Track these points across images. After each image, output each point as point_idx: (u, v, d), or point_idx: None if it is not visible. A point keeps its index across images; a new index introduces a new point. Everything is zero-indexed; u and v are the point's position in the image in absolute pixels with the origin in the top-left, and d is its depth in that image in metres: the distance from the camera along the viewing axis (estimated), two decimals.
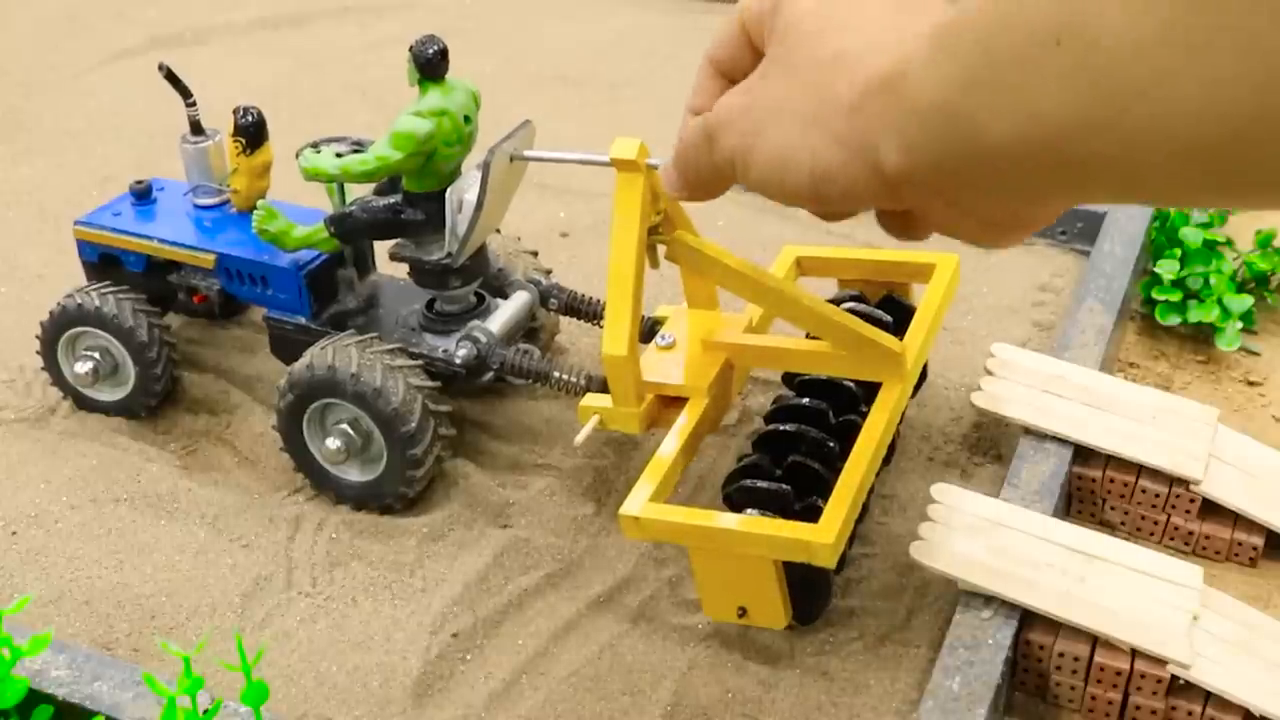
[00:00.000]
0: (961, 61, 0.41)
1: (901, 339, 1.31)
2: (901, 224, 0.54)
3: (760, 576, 1.17)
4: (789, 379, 1.43)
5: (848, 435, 1.26)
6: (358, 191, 1.48)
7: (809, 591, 1.23)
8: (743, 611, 1.21)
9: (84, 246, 1.62)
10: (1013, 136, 0.39)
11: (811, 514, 1.17)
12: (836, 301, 1.42)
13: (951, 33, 0.42)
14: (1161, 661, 1.16)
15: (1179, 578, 1.23)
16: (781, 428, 1.30)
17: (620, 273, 1.18)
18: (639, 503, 1.18)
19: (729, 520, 1.17)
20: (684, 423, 1.28)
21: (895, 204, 0.49)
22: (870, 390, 1.32)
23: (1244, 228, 1.94)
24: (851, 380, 1.35)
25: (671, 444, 1.25)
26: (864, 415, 1.29)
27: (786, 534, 1.13)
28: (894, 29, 0.45)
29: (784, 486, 1.22)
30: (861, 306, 1.42)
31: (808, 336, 1.41)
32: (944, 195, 0.46)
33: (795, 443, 1.28)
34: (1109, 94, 0.35)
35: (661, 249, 1.26)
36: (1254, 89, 0.32)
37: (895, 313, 1.43)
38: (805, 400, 1.34)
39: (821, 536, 1.11)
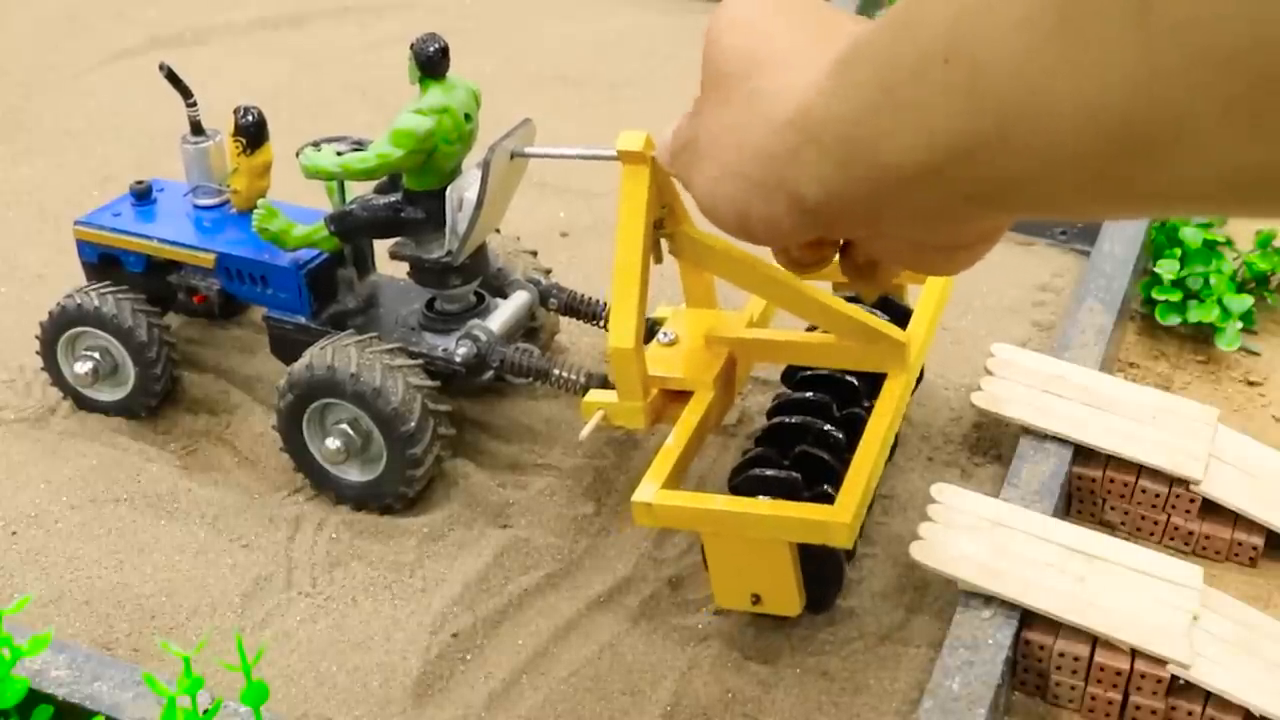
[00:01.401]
0: (858, 89, 0.41)
1: (902, 330, 1.31)
2: (855, 268, 0.56)
3: (775, 561, 1.17)
4: (789, 377, 1.43)
5: (852, 427, 1.26)
6: (358, 190, 1.48)
7: (821, 578, 1.23)
8: (756, 599, 1.21)
9: (84, 247, 1.62)
10: (912, 159, 0.40)
11: (822, 501, 1.18)
12: None
13: (848, 61, 0.43)
14: (1161, 661, 1.16)
15: (1179, 578, 1.23)
16: (787, 420, 1.30)
17: (626, 266, 1.18)
18: (651, 490, 1.18)
19: (744, 503, 1.17)
20: (689, 416, 1.28)
21: (828, 234, 0.51)
22: (871, 385, 1.32)
23: (1244, 228, 1.94)
24: (852, 375, 1.35)
25: (678, 436, 1.25)
26: (866, 409, 1.29)
27: (803, 515, 1.13)
28: (806, 64, 0.46)
29: (793, 474, 1.22)
30: (859, 306, 1.42)
31: (809, 329, 1.41)
32: (867, 224, 0.47)
33: (801, 435, 1.29)
34: (994, 111, 0.36)
35: (665, 243, 1.26)
36: (1119, 104, 0.33)
37: (891, 314, 1.43)
38: (809, 394, 1.34)
39: (838, 516, 1.11)
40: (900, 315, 1.42)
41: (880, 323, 1.28)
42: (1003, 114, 0.36)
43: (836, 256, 0.56)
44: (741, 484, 1.24)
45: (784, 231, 0.48)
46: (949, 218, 0.44)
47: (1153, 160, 0.34)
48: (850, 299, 1.47)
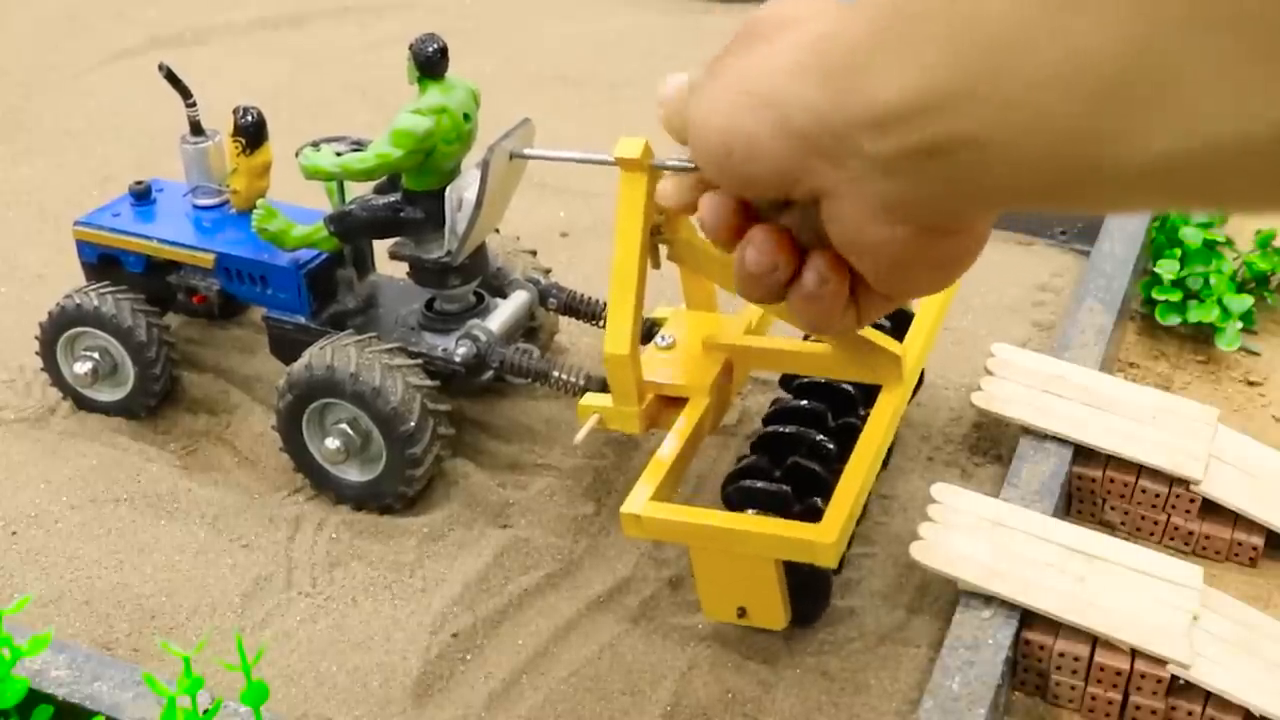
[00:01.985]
0: (872, 21, 0.42)
1: (898, 343, 1.31)
2: (807, 297, 0.52)
3: (761, 577, 1.17)
4: (787, 382, 1.43)
5: (846, 437, 1.26)
6: (357, 190, 1.48)
7: (808, 592, 1.23)
8: (742, 612, 1.21)
9: (84, 247, 1.62)
10: (897, 95, 0.40)
11: (811, 514, 1.17)
12: None
13: None
14: (1161, 661, 1.16)
15: (1179, 578, 1.22)
16: (781, 429, 1.29)
17: (623, 272, 1.18)
18: (640, 501, 1.18)
19: (731, 519, 1.17)
20: (684, 423, 1.28)
21: (796, 177, 0.47)
22: (868, 394, 1.32)
23: (1244, 228, 1.94)
24: (849, 383, 1.35)
25: (672, 444, 1.25)
26: (862, 418, 1.29)
27: (789, 533, 1.13)
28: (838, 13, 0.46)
29: (784, 487, 1.22)
30: None
31: (805, 338, 1.41)
32: (842, 165, 0.45)
33: (794, 444, 1.28)
34: (984, 57, 0.36)
35: (664, 249, 1.26)
36: (1110, 56, 0.33)
37: (892, 318, 1.43)
38: (804, 402, 1.34)
39: (824, 536, 1.11)
40: (901, 320, 1.42)
41: (876, 335, 1.27)
42: (987, 60, 0.36)
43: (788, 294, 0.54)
44: (733, 494, 1.24)
45: (760, 156, 0.47)
46: (920, 178, 0.43)
47: (1133, 120, 0.34)
48: None
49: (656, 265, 1.25)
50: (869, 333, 1.27)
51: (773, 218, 0.54)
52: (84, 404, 1.62)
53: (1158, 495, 1.39)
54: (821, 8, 0.47)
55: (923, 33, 0.38)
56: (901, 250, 0.47)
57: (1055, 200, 0.41)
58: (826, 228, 0.48)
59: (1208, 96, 0.32)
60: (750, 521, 1.17)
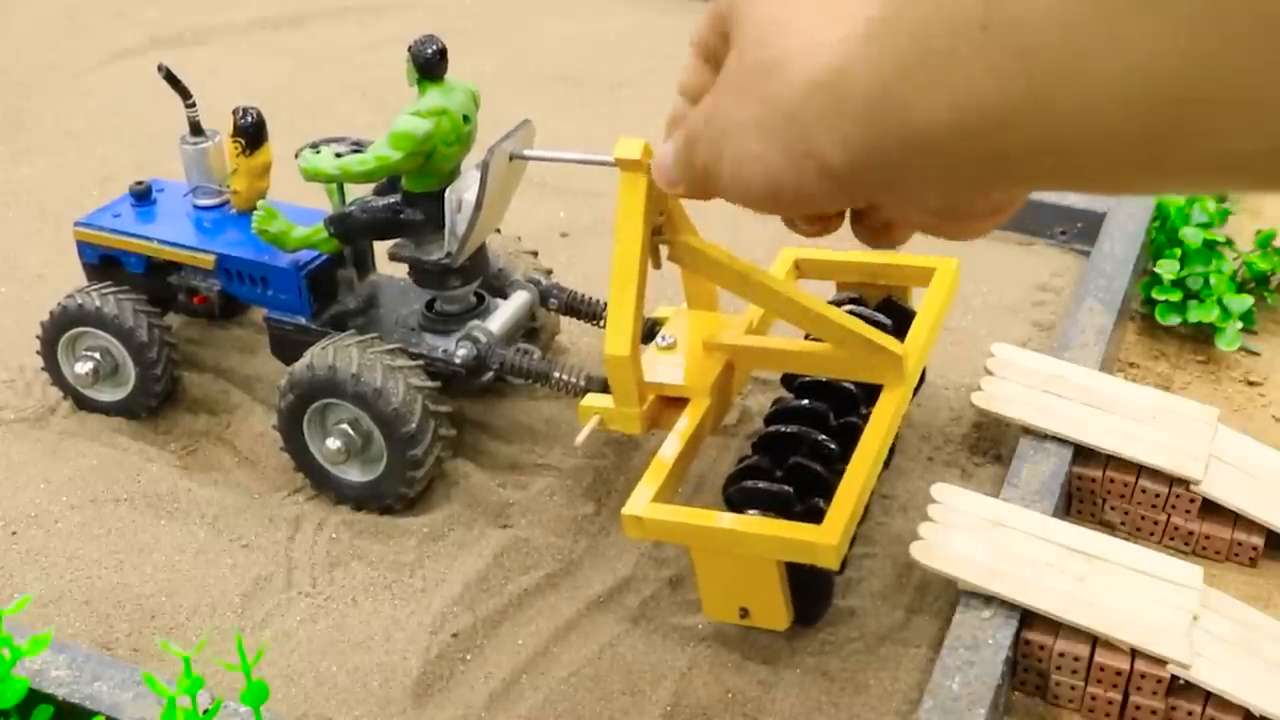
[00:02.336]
0: (893, 51, 0.41)
1: (901, 342, 1.31)
2: (870, 231, 0.55)
3: (763, 577, 1.17)
4: (788, 381, 1.43)
5: (848, 437, 1.26)
6: (357, 192, 1.48)
7: (810, 593, 1.23)
8: (744, 612, 1.21)
9: (84, 248, 1.62)
10: (944, 124, 0.39)
11: (813, 515, 1.17)
12: (835, 304, 1.42)
13: (883, 23, 0.42)
14: (1161, 661, 1.16)
15: (1179, 578, 1.23)
16: (782, 429, 1.29)
17: (623, 273, 1.18)
18: (642, 502, 1.18)
19: (732, 521, 1.17)
20: (685, 424, 1.28)
21: (850, 203, 0.51)
22: (869, 392, 1.32)
23: (1244, 228, 1.94)
24: (851, 382, 1.35)
25: (673, 445, 1.25)
26: (864, 417, 1.29)
27: (790, 535, 1.13)
28: (836, 26, 0.45)
29: (785, 487, 1.22)
30: (861, 309, 1.42)
31: (806, 338, 1.41)
32: (891, 190, 0.46)
33: (796, 444, 1.28)
34: (1034, 78, 0.36)
35: (664, 250, 1.26)
36: (1170, 74, 0.32)
37: (894, 316, 1.43)
38: (805, 402, 1.34)
39: (825, 537, 1.11)
40: (903, 318, 1.42)
41: (877, 334, 1.27)
42: (1042, 79, 0.35)
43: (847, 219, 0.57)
44: (734, 494, 1.24)
45: (810, 194, 0.47)
46: (972, 185, 0.44)
47: (1198, 132, 0.33)
48: (852, 301, 1.47)
49: (657, 265, 1.25)
50: (870, 332, 1.27)
51: None
52: (84, 404, 1.62)
53: (1158, 495, 1.39)
54: (809, 35, 0.46)
55: (963, 58, 0.38)
56: (953, 228, 0.52)
57: (1115, 189, 0.41)
58: (878, 214, 0.53)
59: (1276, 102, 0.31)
60: (752, 523, 1.17)
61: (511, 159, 1.36)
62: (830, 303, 1.40)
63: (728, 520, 1.17)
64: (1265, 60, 0.31)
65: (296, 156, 1.42)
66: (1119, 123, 0.34)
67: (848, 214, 0.57)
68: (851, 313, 1.36)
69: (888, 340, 1.28)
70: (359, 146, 1.42)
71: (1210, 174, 0.36)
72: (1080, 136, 0.36)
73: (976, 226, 0.51)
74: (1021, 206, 0.52)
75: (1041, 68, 0.35)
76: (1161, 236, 1.81)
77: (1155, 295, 1.74)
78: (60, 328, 1.57)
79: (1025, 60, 0.36)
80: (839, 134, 0.44)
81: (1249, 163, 0.34)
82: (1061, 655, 1.20)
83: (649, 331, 1.42)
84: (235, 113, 1.50)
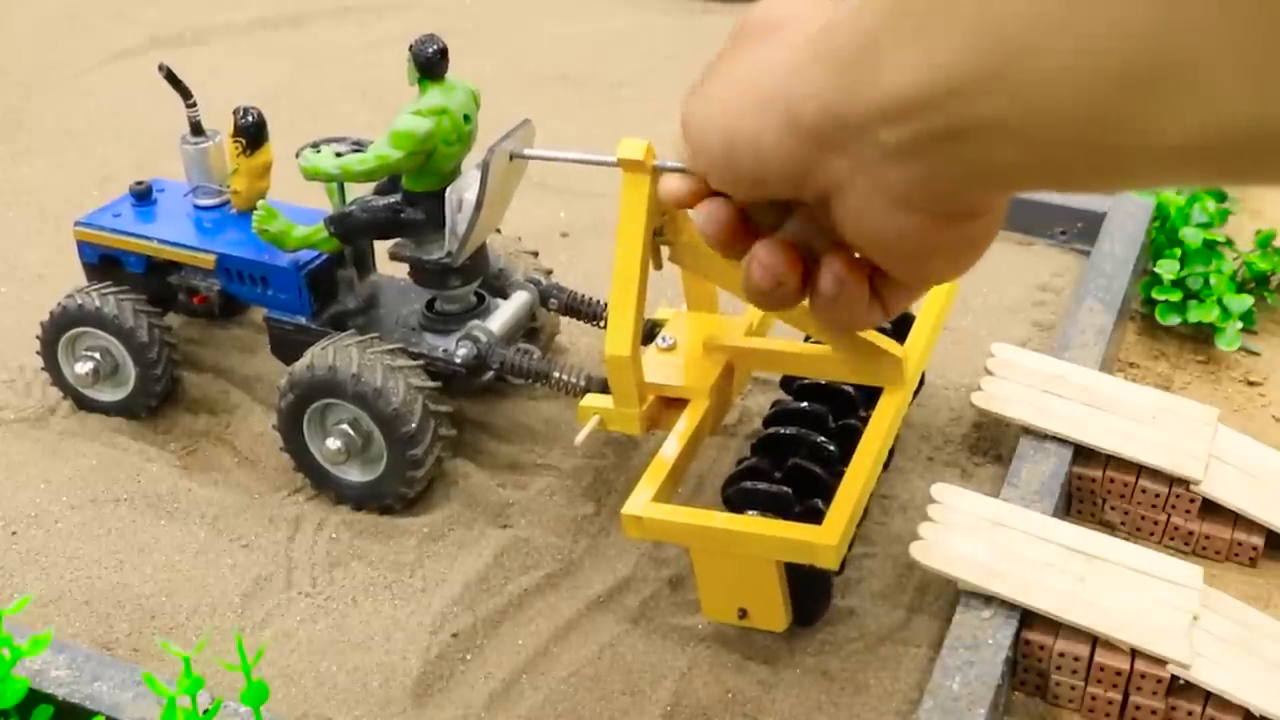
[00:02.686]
0: (878, 10, 0.41)
1: (900, 345, 1.31)
2: (826, 300, 0.52)
3: (762, 578, 1.17)
4: (787, 384, 1.43)
5: (847, 439, 1.26)
6: (358, 191, 1.48)
7: (809, 593, 1.23)
8: (743, 613, 1.21)
9: (84, 247, 1.62)
10: (912, 86, 0.39)
11: (812, 516, 1.17)
12: None
13: None
14: (1161, 661, 1.16)
15: (1179, 578, 1.23)
16: (781, 431, 1.29)
17: (625, 274, 1.18)
18: (641, 503, 1.18)
19: (732, 521, 1.17)
20: (685, 425, 1.28)
21: (808, 181, 0.47)
22: (868, 395, 1.32)
23: (1244, 228, 1.94)
24: (850, 385, 1.35)
25: (673, 446, 1.25)
26: (862, 419, 1.29)
27: (790, 535, 1.13)
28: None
29: (784, 489, 1.22)
30: None
31: (806, 339, 1.41)
32: (852, 156, 0.45)
33: (795, 446, 1.28)
34: (999, 47, 0.36)
35: (665, 250, 1.26)
36: (1130, 43, 0.33)
37: (893, 320, 1.43)
38: (804, 404, 1.34)
39: (825, 538, 1.11)
40: (901, 321, 1.42)
41: (877, 336, 1.27)
42: (1002, 49, 0.36)
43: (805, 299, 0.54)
44: (734, 495, 1.24)
45: (767, 159, 0.46)
46: (935, 164, 0.43)
47: (1153, 106, 0.33)
48: None
49: (658, 266, 1.25)
50: (870, 335, 1.27)
51: (773, 227, 0.53)
52: (84, 404, 1.62)
53: (1158, 495, 1.39)
54: (816, 6, 0.47)
55: (937, 22, 0.38)
56: (919, 240, 0.46)
57: (1075, 182, 0.41)
58: (839, 225, 0.48)
59: (1229, 85, 0.32)
60: (751, 523, 1.17)
61: (512, 159, 1.36)
62: None
63: (727, 520, 1.17)
64: (1212, 41, 0.31)
65: (297, 156, 1.42)
66: (1074, 99, 0.35)
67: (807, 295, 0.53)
68: None
69: (888, 343, 1.28)
70: (359, 146, 1.42)
71: (1165, 166, 0.36)
72: (1038, 114, 0.36)
73: (940, 242, 0.47)
74: (992, 234, 0.48)
75: (1006, 36, 0.36)
76: (1161, 236, 1.81)
77: (1155, 295, 1.74)
78: (60, 328, 1.57)
79: (992, 27, 0.36)
80: (815, 86, 0.44)
81: (1193, 149, 0.34)
82: (1061, 655, 1.20)
83: (649, 333, 1.42)
84: (235, 113, 1.50)
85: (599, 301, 1.53)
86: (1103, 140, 0.36)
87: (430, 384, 1.41)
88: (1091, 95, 0.34)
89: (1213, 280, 1.73)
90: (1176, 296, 1.72)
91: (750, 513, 1.21)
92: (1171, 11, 0.32)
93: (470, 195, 1.36)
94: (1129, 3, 0.33)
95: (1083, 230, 1.91)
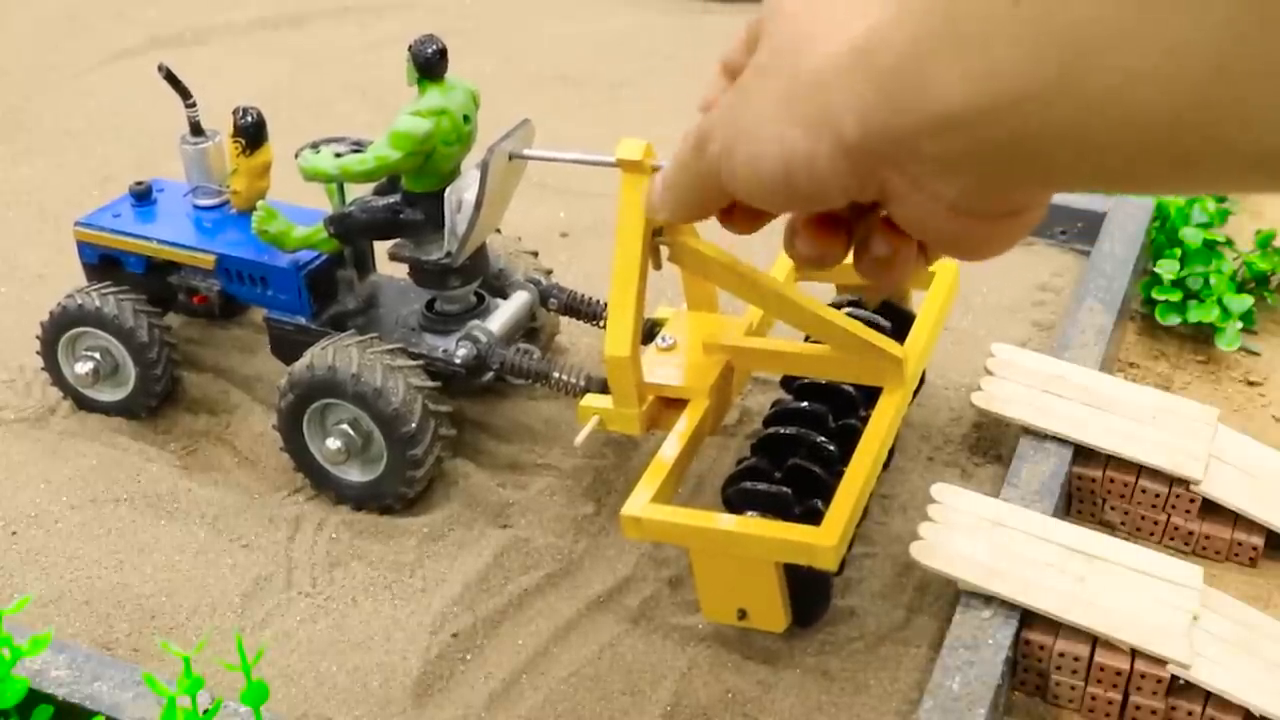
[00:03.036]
0: (922, 23, 0.40)
1: (900, 345, 1.31)
2: (873, 262, 0.53)
3: (761, 579, 1.17)
4: (787, 383, 1.43)
5: (847, 439, 1.26)
6: (357, 192, 1.48)
7: (808, 594, 1.23)
8: (742, 614, 1.21)
9: (84, 248, 1.62)
10: (966, 101, 0.38)
11: (811, 517, 1.17)
12: (835, 306, 1.41)
13: None
14: (1161, 661, 1.16)
15: (1179, 578, 1.23)
16: (781, 431, 1.29)
17: (624, 274, 1.18)
18: (641, 503, 1.18)
19: (731, 522, 1.17)
20: (685, 425, 1.28)
21: (860, 190, 0.47)
22: (868, 395, 1.32)
23: (1244, 228, 1.94)
24: (850, 385, 1.35)
25: (672, 446, 1.25)
26: (862, 419, 1.29)
27: (789, 536, 1.13)
28: (869, 5, 0.44)
29: (784, 489, 1.22)
30: (860, 312, 1.42)
31: (805, 340, 1.41)
32: (904, 172, 0.45)
33: (794, 446, 1.28)
34: (1066, 57, 0.35)
35: (664, 250, 1.26)
36: (1206, 57, 0.31)
37: (893, 319, 1.43)
38: (804, 404, 1.34)
39: (824, 539, 1.11)
40: (902, 321, 1.42)
41: (877, 337, 1.27)
42: (1074, 58, 0.34)
43: (850, 256, 0.55)
44: (734, 495, 1.24)
45: (823, 178, 0.46)
46: (988, 173, 0.42)
47: (1232, 120, 0.32)
48: (851, 304, 1.47)
49: (658, 266, 1.25)
50: (870, 335, 1.27)
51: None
52: (84, 404, 1.62)
53: (1158, 495, 1.39)
54: (841, 18, 0.46)
55: (986, 33, 0.37)
56: (976, 236, 0.47)
57: (1135, 185, 0.40)
58: (898, 221, 0.48)
59: None
60: (751, 524, 1.17)
61: (511, 159, 1.36)
62: (830, 305, 1.40)
63: (727, 521, 1.17)
64: None
65: (296, 156, 1.42)
66: (1151, 106, 0.33)
67: (850, 250, 0.55)
68: (851, 315, 1.36)
69: (888, 343, 1.28)
70: (359, 146, 1.42)
71: (1238, 171, 0.35)
72: (1108, 121, 0.35)
73: (993, 234, 0.48)
74: (1041, 218, 0.49)
75: (1074, 45, 0.34)
76: (1161, 236, 1.81)
77: (1155, 295, 1.74)
78: (60, 328, 1.57)
79: (1057, 38, 0.35)
80: (860, 103, 0.43)
81: (1268, 157, 0.33)
82: (1061, 655, 1.20)
83: (648, 332, 1.42)
84: (235, 113, 1.50)
85: (599, 301, 1.54)
86: (1181, 145, 0.34)
87: (430, 384, 1.41)
88: (1174, 99, 0.33)
89: (1213, 280, 1.73)
90: (1176, 296, 1.72)
91: (750, 513, 1.21)
92: (1264, 12, 0.30)
93: (470, 195, 1.36)
94: (1203, 10, 0.31)
95: (1083, 230, 1.91)
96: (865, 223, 0.53)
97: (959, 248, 0.49)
